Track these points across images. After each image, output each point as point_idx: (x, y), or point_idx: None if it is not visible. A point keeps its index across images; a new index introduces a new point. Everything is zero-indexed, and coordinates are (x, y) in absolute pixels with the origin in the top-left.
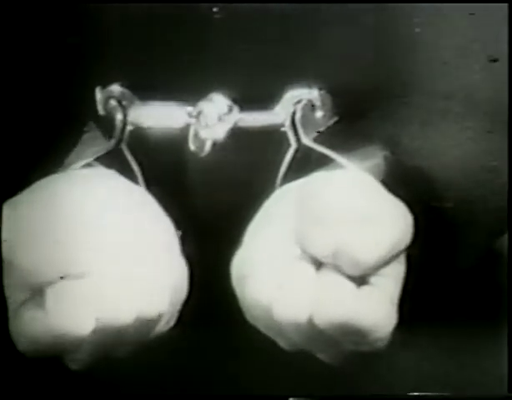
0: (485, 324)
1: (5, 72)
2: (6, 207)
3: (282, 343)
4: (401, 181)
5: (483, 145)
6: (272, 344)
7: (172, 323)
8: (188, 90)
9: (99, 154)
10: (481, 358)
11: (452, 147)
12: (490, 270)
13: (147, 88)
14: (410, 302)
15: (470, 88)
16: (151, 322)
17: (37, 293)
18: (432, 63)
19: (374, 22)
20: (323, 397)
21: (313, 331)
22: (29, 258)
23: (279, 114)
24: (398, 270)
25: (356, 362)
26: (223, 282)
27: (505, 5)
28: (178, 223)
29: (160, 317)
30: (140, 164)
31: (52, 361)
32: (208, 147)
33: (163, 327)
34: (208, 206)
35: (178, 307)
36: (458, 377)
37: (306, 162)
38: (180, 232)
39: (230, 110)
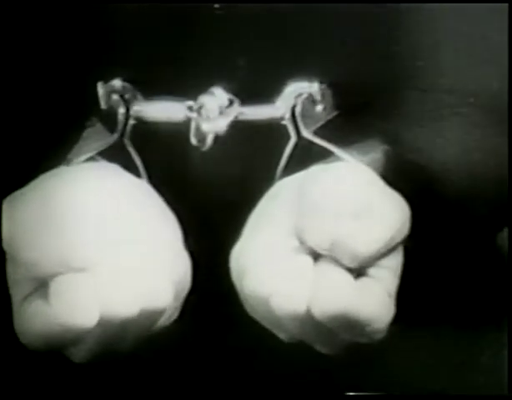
0: (485, 323)
1: (8, 67)
2: (8, 202)
3: (281, 335)
4: (400, 175)
5: (482, 140)
6: (272, 337)
7: (174, 317)
8: (190, 84)
9: (102, 148)
10: (481, 358)
11: (451, 142)
12: (490, 267)
13: (148, 83)
14: (408, 296)
15: (471, 84)
16: (154, 316)
17: (40, 287)
18: (432, 59)
19: (375, 17)
20: (326, 397)
21: (311, 322)
22: (33, 252)
23: (280, 108)
24: (395, 262)
25: (355, 359)
26: (226, 275)
27: (505, 5)
28: (181, 216)
29: (163, 310)
30: (142, 158)
31: (55, 354)
32: (209, 140)
33: (165, 320)
34: (210, 199)
35: (181, 300)
36: (458, 377)
37: (306, 156)
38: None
39: (231, 103)
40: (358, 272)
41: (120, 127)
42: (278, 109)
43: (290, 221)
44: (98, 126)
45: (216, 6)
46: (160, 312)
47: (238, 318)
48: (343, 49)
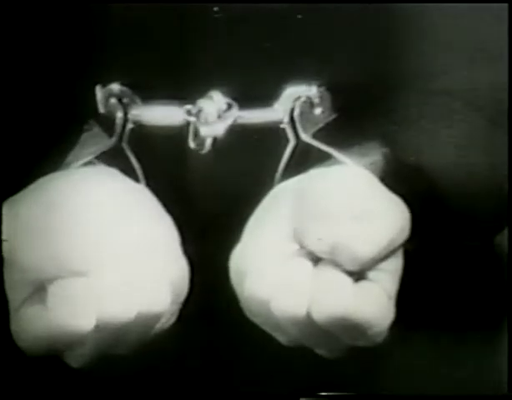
0: (485, 324)
1: (6, 70)
2: (7, 206)
3: (281, 339)
4: (399, 178)
5: (482, 141)
6: (271, 341)
7: (172, 321)
8: (188, 88)
9: (100, 152)
10: (481, 358)
11: (451, 144)
12: (490, 267)
13: (147, 87)
14: (408, 299)
15: (470, 85)
16: (152, 320)
17: (38, 291)
18: (432, 60)
19: (374, 18)
20: (330, 397)
21: (311, 326)
22: (30, 256)
23: (278, 111)
24: (395, 265)
25: (355, 360)
26: (224, 279)
27: (505, 5)
28: (179, 220)
29: (161, 314)
30: (141, 162)
31: (53, 359)
32: (208, 144)
33: (163, 324)
34: (208, 203)
35: (179, 304)
36: (458, 377)
37: (305, 159)
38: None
39: (229, 107)
40: (358, 275)
41: (118, 131)
42: (276, 113)
43: (290, 224)
44: (96, 130)
45: (215, 9)
46: (158, 317)
47: (237, 322)
48: (341, 52)
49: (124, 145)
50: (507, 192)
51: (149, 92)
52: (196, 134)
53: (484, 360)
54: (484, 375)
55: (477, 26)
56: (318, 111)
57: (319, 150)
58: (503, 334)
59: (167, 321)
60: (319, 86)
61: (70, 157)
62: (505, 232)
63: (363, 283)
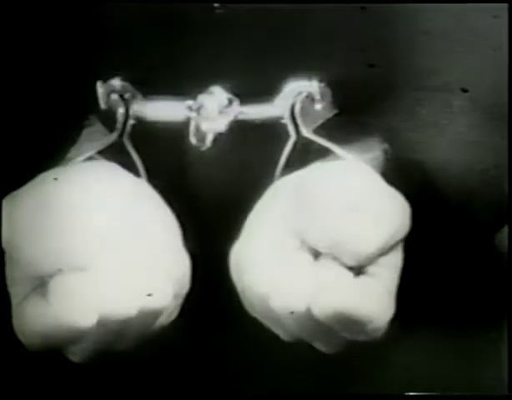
0: (485, 323)
1: (7, 67)
2: (7, 201)
3: (280, 333)
4: (400, 174)
5: (482, 139)
6: (272, 336)
7: (174, 316)
8: (189, 84)
9: (101, 148)
10: (481, 358)
11: (451, 142)
12: (490, 266)
13: (148, 82)
14: (408, 295)
15: (471, 83)
16: (153, 315)
17: (39, 286)
18: (432, 58)
19: (375, 17)
20: (328, 397)
21: (311, 321)
22: (31, 251)
23: (279, 106)
24: (395, 260)
25: (355, 359)
26: (225, 274)
27: (505, 5)
28: (180, 215)
29: (163, 309)
30: (142, 157)
31: (55, 354)
32: (209, 140)
33: (165, 320)
34: (209, 198)
35: (180, 300)
36: (458, 377)
37: (305, 154)
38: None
39: (230, 103)
40: (358, 270)
41: (119, 126)
42: (277, 108)
43: (290, 219)
44: (98, 125)
45: (216, 5)
46: (159, 312)
47: (238, 317)
48: (342, 48)
49: (125, 140)
50: (507, 191)
51: (150, 88)
52: (197, 130)
53: (484, 359)
54: (484, 375)
55: (477, 26)
56: (318, 106)
57: (320, 145)
58: (503, 333)
59: (168, 316)
60: (320, 81)
61: (71, 153)
62: (505, 229)
63: (363, 278)
